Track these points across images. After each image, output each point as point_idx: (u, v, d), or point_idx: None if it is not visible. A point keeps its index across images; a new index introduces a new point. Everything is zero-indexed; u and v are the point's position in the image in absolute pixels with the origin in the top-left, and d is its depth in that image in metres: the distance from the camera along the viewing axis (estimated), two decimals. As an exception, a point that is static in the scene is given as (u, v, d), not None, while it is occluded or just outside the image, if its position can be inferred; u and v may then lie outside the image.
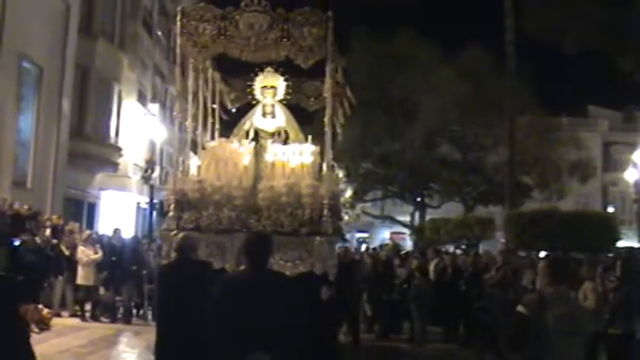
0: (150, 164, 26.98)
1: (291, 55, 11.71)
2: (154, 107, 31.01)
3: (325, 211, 10.51)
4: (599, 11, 22.50)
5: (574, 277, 9.14)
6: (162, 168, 31.86)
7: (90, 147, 25.11)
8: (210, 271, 8.53)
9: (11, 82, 19.54)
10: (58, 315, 14.85)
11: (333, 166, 11.43)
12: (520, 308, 5.35)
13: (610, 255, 16.70)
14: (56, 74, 22.35)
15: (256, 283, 5.43)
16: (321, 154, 11.74)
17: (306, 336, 8.16)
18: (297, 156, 11.47)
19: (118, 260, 16.13)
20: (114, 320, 15.81)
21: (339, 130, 12.87)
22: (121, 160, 27.76)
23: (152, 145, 29.43)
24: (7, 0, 18.78)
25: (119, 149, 27.30)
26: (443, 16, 54.00)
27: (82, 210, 26.21)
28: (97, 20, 25.52)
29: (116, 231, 17.70)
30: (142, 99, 31.29)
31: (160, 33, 34.61)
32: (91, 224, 25.21)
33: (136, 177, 29.88)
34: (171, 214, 10.73)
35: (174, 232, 10.26)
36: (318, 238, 10.35)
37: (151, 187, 27.15)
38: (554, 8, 23.62)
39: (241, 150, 11.70)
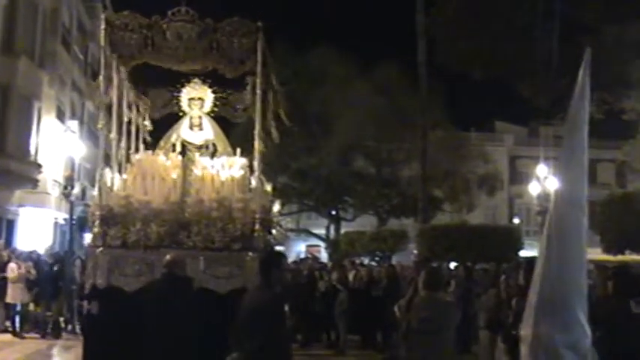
0: (69, 180, 27.12)
1: (220, 66, 11.54)
2: (73, 124, 31.09)
3: (257, 226, 10.27)
4: (502, 43, 24.09)
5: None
6: (80, 184, 31.87)
7: (10, 164, 25.08)
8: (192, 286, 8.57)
9: None
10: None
11: (262, 179, 11.13)
12: (395, 310, 6.58)
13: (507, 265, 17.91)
14: (-22, 93, 22.33)
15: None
16: (250, 167, 11.55)
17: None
18: (226, 169, 11.22)
19: (50, 276, 16.38)
20: (44, 335, 16.03)
21: (268, 142, 12.25)
22: (40, 177, 27.76)
23: (71, 162, 29.49)
24: None
25: (39, 166, 27.32)
26: (358, 33, 55.13)
27: (1, 227, 26.10)
28: (18, 38, 25.60)
29: (50, 248, 17.95)
30: (60, 115, 31.30)
31: (77, 49, 34.67)
32: (9, 241, 25.09)
33: (54, 193, 29.90)
34: (96, 229, 10.28)
35: (100, 248, 10.03)
36: (250, 253, 10.03)
37: (71, 204, 27.28)
38: (462, 39, 25.12)
39: (168, 163, 11.43)
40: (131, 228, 10.11)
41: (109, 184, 10.94)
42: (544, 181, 32.63)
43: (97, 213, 10.30)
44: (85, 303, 10.06)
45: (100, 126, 11.23)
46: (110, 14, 11.06)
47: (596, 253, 22.95)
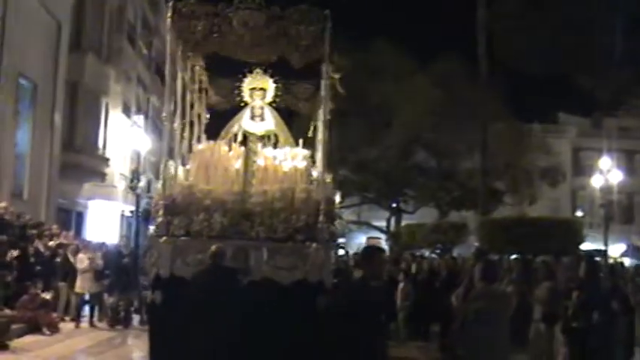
0: (136, 174, 27.95)
1: (286, 54, 11.36)
2: (139, 118, 31.92)
3: (321, 217, 10.10)
4: (562, 37, 23.88)
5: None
6: (146, 177, 32.71)
7: (80, 158, 26.03)
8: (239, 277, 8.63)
9: (9, 99, 20.36)
10: (63, 319, 15.88)
11: (325, 170, 10.86)
12: (452, 300, 6.82)
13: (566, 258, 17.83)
14: (49, 89, 23.23)
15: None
16: (311, 158, 11.46)
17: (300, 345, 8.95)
18: (289, 160, 11.07)
19: (122, 267, 16.84)
20: (113, 324, 16.45)
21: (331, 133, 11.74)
22: (107, 170, 28.64)
23: (137, 155, 30.33)
24: (6, 20, 19.57)
25: (107, 160, 28.20)
26: (419, 26, 54.90)
27: (71, 219, 26.98)
28: (86, 36, 26.48)
29: (125, 239, 18.47)
30: (126, 110, 32.17)
31: (142, 45, 35.53)
32: (79, 232, 25.98)
33: (121, 186, 30.79)
34: (160, 219, 10.15)
35: (164, 238, 9.99)
36: (313, 244, 9.91)
37: (137, 196, 28.10)
38: (521, 33, 24.98)
39: (231, 153, 11.32)
40: (194, 218, 10.06)
41: (172, 174, 10.83)
42: (607, 173, 32.24)
43: (161, 202, 10.26)
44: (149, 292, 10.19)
45: (164, 115, 11.06)
46: (177, 2, 10.56)
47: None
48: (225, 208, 10.20)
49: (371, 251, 6.78)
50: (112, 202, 30.15)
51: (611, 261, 23.88)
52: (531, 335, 11.55)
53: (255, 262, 9.61)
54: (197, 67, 12.31)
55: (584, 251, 22.68)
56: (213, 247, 8.39)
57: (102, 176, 28.03)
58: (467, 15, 30.00)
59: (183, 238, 9.96)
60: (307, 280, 9.82)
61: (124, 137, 29.75)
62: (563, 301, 10.16)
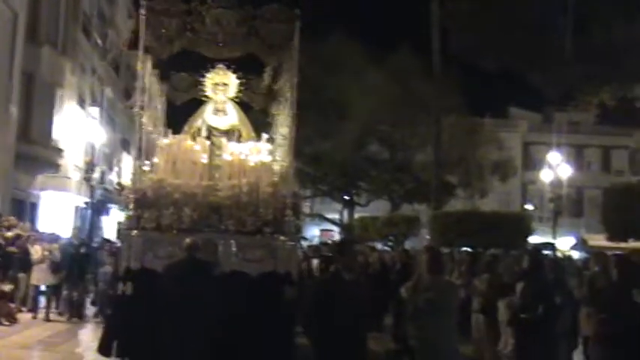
0: (90, 165, 27.92)
1: (257, 52, 11.81)
2: (94, 110, 31.73)
3: (287, 211, 10.44)
4: (513, 35, 24.49)
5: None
6: (99, 168, 32.59)
7: (35, 149, 25.77)
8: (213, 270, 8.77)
9: (-37, 90, 20.17)
10: (20, 310, 15.89)
11: (292, 164, 11.25)
12: (401, 292, 7.16)
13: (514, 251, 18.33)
14: (4, 81, 23.02)
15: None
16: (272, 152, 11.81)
17: (266, 334, 9.23)
18: (254, 154, 11.44)
19: (77, 259, 16.74)
20: (69, 317, 16.42)
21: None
22: (61, 162, 28.46)
23: (91, 147, 30.25)
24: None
25: (61, 151, 28.01)
26: (374, 20, 55.20)
27: (24, 210, 26.74)
28: (42, 27, 26.22)
29: (77, 231, 18.46)
30: (81, 102, 31.95)
31: (97, 36, 35.27)
32: (33, 223, 25.77)
33: (75, 177, 30.61)
34: (130, 213, 10.45)
35: (135, 231, 10.24)
36: (281, 237, 10.27)
37: (92, 188, 28.06)
38: (473, 30, 25.50)
39: (197, 147, 11.61)
40: (164, 211, 10.30)
41: (142, 169, 11.13)
42: (556, 167, 33.04)
43: (131, 196, 10.50)
44: (119, 284, 10.34)
45: (135, 111, 11.33)
46: (151, 0, 10.80)
47: (598, 240, 23.41)
48: (194, 202, 10.44)
49: (345, 243, 7.01)
50: (66, 193, 29.94)
51: (558, 254, 24.53)
52: (473, 326, 12.07)
53: (225, 255, 9.81)
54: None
55: (531, 245, 23.27)
56: (187, 240, 8.54)
57: (56, 167, 27.84)
58: (421, 9, 30.40)
59: (153, 231, 10.18)
60: (275, 272, 10.13)
61: (79, 129, 29.66)
62: (502, 293, 10.63)
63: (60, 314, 16.64)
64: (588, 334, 9.92)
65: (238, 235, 10.19)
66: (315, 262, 17.22)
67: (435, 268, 7.37)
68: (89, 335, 14.71)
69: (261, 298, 9.51)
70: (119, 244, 13.12)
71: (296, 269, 10.61)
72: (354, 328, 6.49)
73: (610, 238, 20.93)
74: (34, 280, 16.44)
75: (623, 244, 19.98)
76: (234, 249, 10.15)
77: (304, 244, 26.56)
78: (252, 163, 11.28)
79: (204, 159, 11.48)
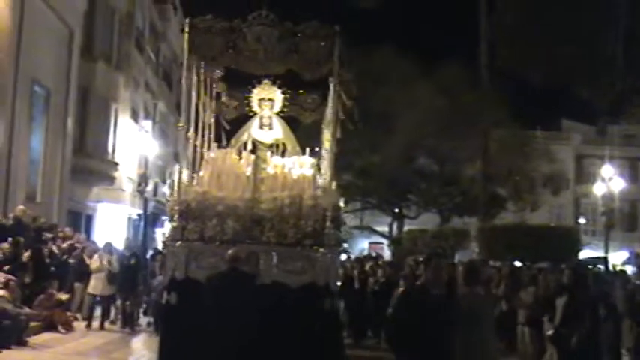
0: (143, 178, 28.54)
1: (297, 68, 11.93)
2: (147, 124, 32.49)
3: (328, 223, 10.57)
4: (561, 47, 24.40)
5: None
6: (153, 181, 33.27)
7: (91, 163, 26.58)
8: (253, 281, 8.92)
9: (25, 105, 20.90)
10: (76, 318, 16.37)
11: (332, 178, 11.40)
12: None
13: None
14: (61, 95, 23.78)
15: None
16: (317, 166, 12.04)
17: (310, 346, 9.39)
18: (297, 168, 11.64)
19: (128, 269, 17.05)
20: (123, 326, 16.75)
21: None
22: (116, 174, 29.18)
23: (144, 160, 30.91)
24: (22, 28, 20.11)
25: (116, 164, 28.73)
26: (421, 34, 55.08)
27: (80, 221, 27.48)
28: (97, 43, 27.07)
29: (128, 241, 18.92)
30: (134, 116, 32.72)
31: (149, 51, 36.09)
32: (88, 235, 26.46)
33: (128, 190, 31.36)
34: (175, 224, 10.71)
35: (179, 242, 10.48)
36: (321, 249, 10.42)
37: (145, 200, 28.65)
38: (521, 44, 25.48)
39: (242, 161, 11.88)
40: (208, 223, 10.51)
41: (185, 180, 11.35)
42: (609, 181, 32.63)
43: (176, 208, 10.79)
44: (164, 294, 10.63)
45: (180, 125, 11.67)
46: (193, 18, 11.24)
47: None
48: (237, 214, 10.66)
49: (433, 258, 7.03)
50: (120, 205, 30.70)
51: (610, 268, 24.28)
52: (518, 338, 12.12)
53: (266, 266, 10.05)
54: (212, 78, 12.82)
55: (577, 259, 23.16)
56: (231, 251, 8.74)
57: (111, 180, 28.55)
58: (469, 23, 30.50)
59: (197, 242, 10.40)
60: (315, 284, 10.29)
61: (132, 142, 30.42)
62: (546, 305, 10.68)
63: (113, 323, 17.03)
64: (630, 345, 9.98)
65: (279, 246, 10.35)
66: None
67: (470, 280, 7.47)
68: (141, 344, 15.17)
69: (300, 309, 9.69)
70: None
71: (335, 280, 10.77)
72: (440, 344, 6.46)
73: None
74: (90, 289, 16.74)
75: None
76: (274, 260, 10.32)
77: (352, 256, 26.82)
78: (295, 177, 11.47)
79: (248, 172, 11.68)
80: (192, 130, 11.84)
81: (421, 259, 25.68)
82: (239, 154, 12.19)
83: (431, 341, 6.29)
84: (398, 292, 15.91)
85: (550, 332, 9.98)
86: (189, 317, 9.30)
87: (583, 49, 24.40)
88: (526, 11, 25.20)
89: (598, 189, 33.68)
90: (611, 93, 25.82)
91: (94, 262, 16.71)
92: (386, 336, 7.75)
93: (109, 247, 17.45)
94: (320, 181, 11.82)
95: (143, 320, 17.81)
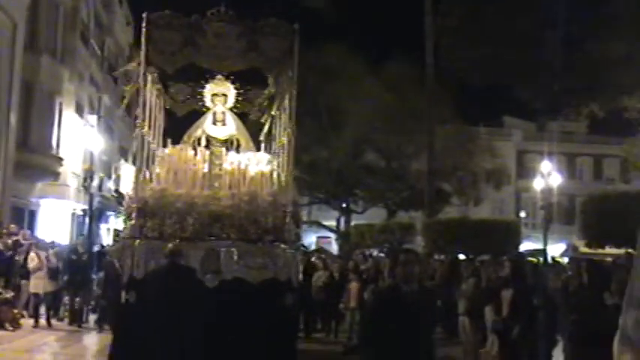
0: (89, 173, 28.20)
1: (256, 65, 11.86)
2: (92, 118, 32.13)
3: (287, 219, 10.64)
4: (502, 51, 25.10)
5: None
6: (98, 176, 32.87)
7: (34, 158, 26.21)
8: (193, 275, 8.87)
9: (-34, 100, 20.54)
10: (22, 316, 16.20)
11: (291, 174, 11.36)
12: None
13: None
14: (4, 90, 23.41)
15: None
16: (274, 162, 12.01)
17: (268, 340, 9.47)
18: (253, 164, 11.65)
19: (79, 266, 16.95)
20: (70, 323, 16.66)
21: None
22: (60, 170, 28.81)
23: (90, 155, 30.58)
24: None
25: (60, 159, 28.36)
26: (369, 31, 55.55)
27: (23, 217, 27.07)
28: (42, 37, 26.65)
29: (82, 238, 18.69)
30: (79, 110, 32.32)
31: (94, 44, 35.66)
32: (32, 231, 26.07)
33: (73, 185, 30.96)
34: (133, 222, 10.59)
35: (137, 240, 10.36)
36: (282, 245, 10.49)
37: (91, 195, 28.31)
38: (463, 48, 26.11)
39: (198, 157, 11.80)
40: (167, 220, 10.46)
41: (144, 178, 11.22)
42: (548, 176, 33.33)
43: (134, 206, 10.64)
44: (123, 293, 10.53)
45: (137, 122, 11.33)
46: (151, 14, 11.02)
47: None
48: (196, 211, 10.59)
49: (401, 253, 6.73)
50: (64, 200, 30.31)
51: (549, 260, 24.94)
52: (460, 328, 12.47)
53: (227, 263, 10.03)
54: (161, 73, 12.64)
55: (519, 252, 23.78)
56: (170, 246, 8.77)
57: (55, 175, 28.20)
58: (416, 21, 30.92)
59: (156, 240, 10.30)
60: (277, 279, 10.35)
61: (77, 136, 30.04)
62: (491, 296, 11.00)
63: (60, 320, 16.89)
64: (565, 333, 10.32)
65: (240, 242, 10.38)
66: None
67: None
68: (90, 341, 15.15)
69: (261, 305, 9.75)
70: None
71: (296, 276, 10.82)
72: (416, 341, 6.21)
73: (588, 245, 21.34)
74: (32, 289, 16.51)
75: (600, 250, 20.41)
76: (235, 257, 10.34)
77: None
78: (252, 173, 11.48)
79: (205, 169, 11.67)
80: (146, 126, 11.64)
81: (368, 253, 26.24)
82: (193, 150, 12.13)
83: (407, 339, 6.14)
84: (350, 287, 16.28)
85: (495, 322, 10.28)
86: (146, 315, 9.25)
87: (522, 52, 25.12)
88: (469, 15, 25.79)
89: (538, 184, 34.33)
90: (549, 94, 26.57)
91: (31, 262, 16.36)
92: (361, 339, 7.69)
93: (47, 244, 17.23)
94: (275, 176, 11.84)
95: (92, 317, 17.60)
